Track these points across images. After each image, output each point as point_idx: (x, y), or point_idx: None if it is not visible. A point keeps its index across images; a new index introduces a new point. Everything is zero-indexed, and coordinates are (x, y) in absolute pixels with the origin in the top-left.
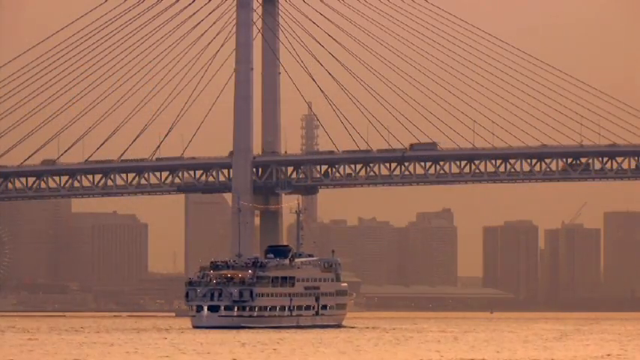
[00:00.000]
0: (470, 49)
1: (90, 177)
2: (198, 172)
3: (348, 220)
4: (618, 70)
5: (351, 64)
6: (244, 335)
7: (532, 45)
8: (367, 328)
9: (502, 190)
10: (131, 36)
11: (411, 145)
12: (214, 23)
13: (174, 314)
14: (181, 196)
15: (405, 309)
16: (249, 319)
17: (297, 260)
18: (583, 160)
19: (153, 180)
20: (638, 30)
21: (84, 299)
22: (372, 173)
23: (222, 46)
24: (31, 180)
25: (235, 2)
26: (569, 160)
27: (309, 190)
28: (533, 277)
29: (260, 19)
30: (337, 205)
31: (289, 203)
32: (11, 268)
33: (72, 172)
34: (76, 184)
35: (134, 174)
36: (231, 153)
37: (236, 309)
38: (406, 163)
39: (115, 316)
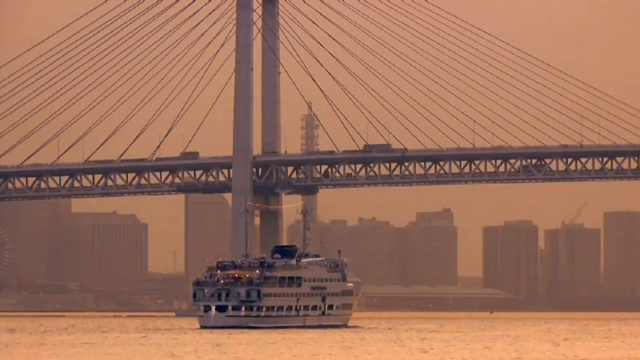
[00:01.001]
0: (470, 49)
1: (90, 177)
2: (198, 172)
3: (348, 220)
4: (618, 70)
5: (351, 64)
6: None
7: (532, 45)
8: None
9: (502, 190)
10: (131, 36)
11: (365, 146)
12: (214, 23)
13: (174, 314)
14: (181, 196)
15: (405, 309)
16: (256, 319)
17: (303, 260)
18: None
19: (153, 180)
20: (639, 30)
21: (84, 299)
22: (372, 173)
23: (222, 46)
24: (31, 180)
25: (235, 2)
26: (569, 161)
27: (309, 190)
28: (533, 277)
29: (260, 19)
30: (337, 205)
31: (294, 204)
32: (11, 268)
33: (72, 172)
34: (76, 184)
35: (134, 174)
36: (183, 154)
37: (243, 309)
38: (406, 163)
39: (115, 316)
